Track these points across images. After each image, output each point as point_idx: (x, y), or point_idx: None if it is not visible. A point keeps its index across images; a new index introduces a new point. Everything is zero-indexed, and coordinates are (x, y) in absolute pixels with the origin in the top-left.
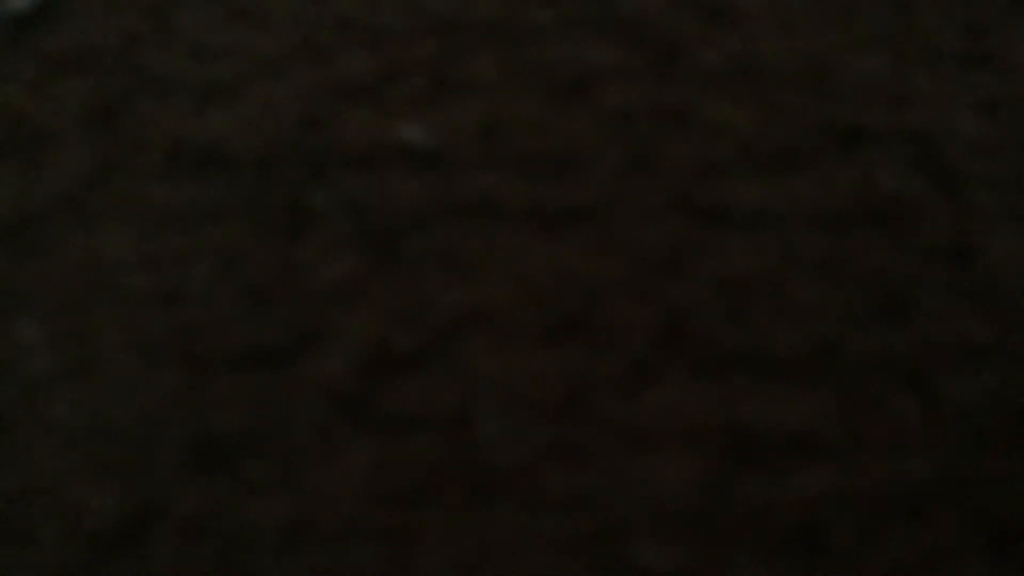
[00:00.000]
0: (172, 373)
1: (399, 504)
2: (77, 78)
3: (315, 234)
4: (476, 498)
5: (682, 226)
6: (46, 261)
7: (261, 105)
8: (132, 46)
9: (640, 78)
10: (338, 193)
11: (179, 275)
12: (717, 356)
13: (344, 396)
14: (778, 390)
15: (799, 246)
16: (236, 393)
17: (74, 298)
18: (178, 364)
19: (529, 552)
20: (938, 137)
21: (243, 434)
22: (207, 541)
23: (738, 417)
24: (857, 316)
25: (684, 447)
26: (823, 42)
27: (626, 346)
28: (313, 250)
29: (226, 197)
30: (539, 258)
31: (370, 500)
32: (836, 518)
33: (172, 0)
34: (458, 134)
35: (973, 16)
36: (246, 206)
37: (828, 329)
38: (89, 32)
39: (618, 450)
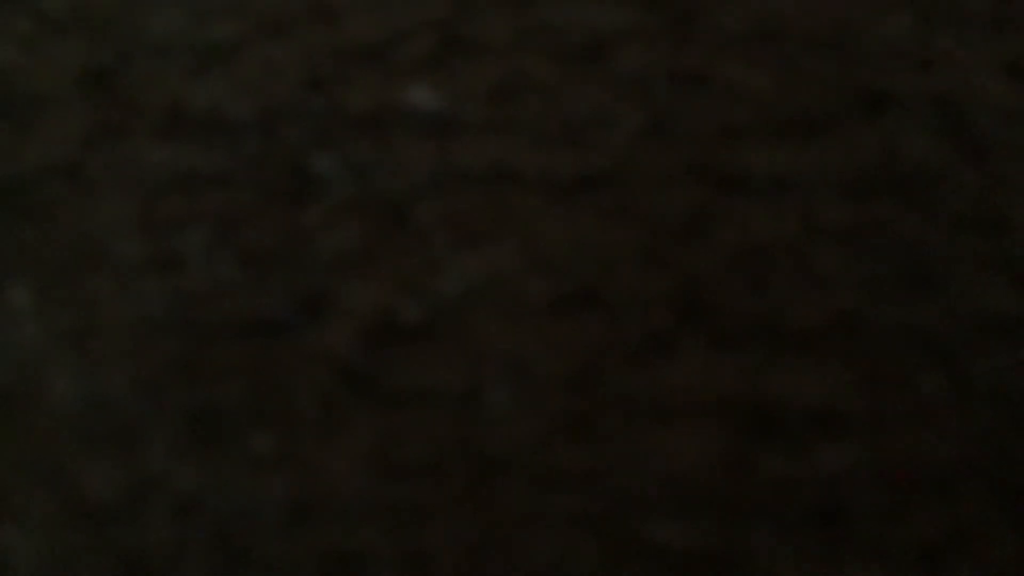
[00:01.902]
0: (170, 342)
1: (405, 480)
2: (73, 38)
3: (319, 200)
4: (485, 474)
5: (700, 193)
6: (39, 226)
7: (263, 67)
8: (130, 5)
9: (656, 41)
10: (343, 158)
11: (177, 241)
12: (736, 327)
13: (348, 368)
14: (799, 363)
15: (821, 214)
16: (236, 364)
17: (68, 265)
18: (176, 333)
19: (540, 530)
20: (964, 102)
21: (243, 406)
22: (205, 517)
23: (757, 391)
24: (881, 287)
25: (701, 421)
26: (846, 3)
27: (641, 317)
28: (317, 217)
29: (227, 161)
30: (552, 226)
31: (375, 476)
32: (859, 495)
33: None
34: (468, 97)
35: None
36: (247, 171)
37: (851, 300)
38: None
39: (633, 424)
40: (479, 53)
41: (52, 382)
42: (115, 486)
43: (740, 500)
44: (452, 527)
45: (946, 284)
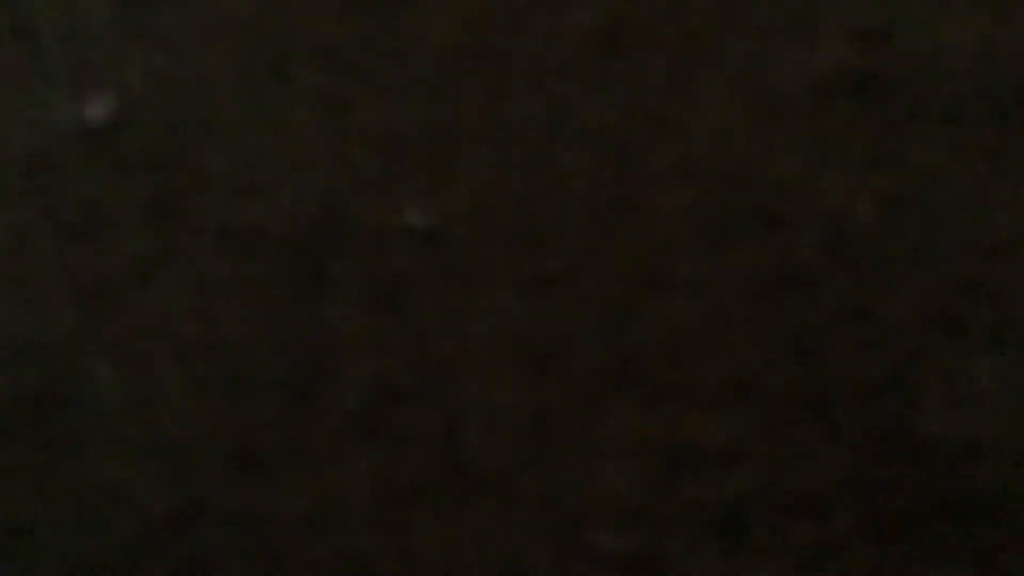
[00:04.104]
0: (217, 400)
1: (399, 501)
2: (142, 174)
3: (334, 296)
4: (463, 496)
5: (634, 290)
6: (117, 319)
7: (292, 196)
8: (188, 150)
9: (600, 175)
10: (353, 264)
11: (225, 328)
12: (660, 389)
13: (355, 417)
14: (709, 416)
15: (729, 306)
16: (268, 415)
17: (140, 347)
18: (222, 393)
19: (507, 539)
20: (843, 222)
21: (274, 446)
22: (243, 530)
23: (676, 435)
24: (773, 360)
25: (634, 458)
26: (748, 145)
27: (587, 381)
28: (333, 308)
29: (264, 267)
30: (516, 313)
31: (375, 498)
32: (755, 514)
33: (219, 112)
34: (452, 217)
35: (878, 123)
36: (280, 274)
37: (750, 369)
38: (153, 138)
39: (581, 460)
40: (460, 184)
41: (126, 431)
42: (173, 507)
43: (663, 517)
44: (436, 537)
45: (823, 357)
